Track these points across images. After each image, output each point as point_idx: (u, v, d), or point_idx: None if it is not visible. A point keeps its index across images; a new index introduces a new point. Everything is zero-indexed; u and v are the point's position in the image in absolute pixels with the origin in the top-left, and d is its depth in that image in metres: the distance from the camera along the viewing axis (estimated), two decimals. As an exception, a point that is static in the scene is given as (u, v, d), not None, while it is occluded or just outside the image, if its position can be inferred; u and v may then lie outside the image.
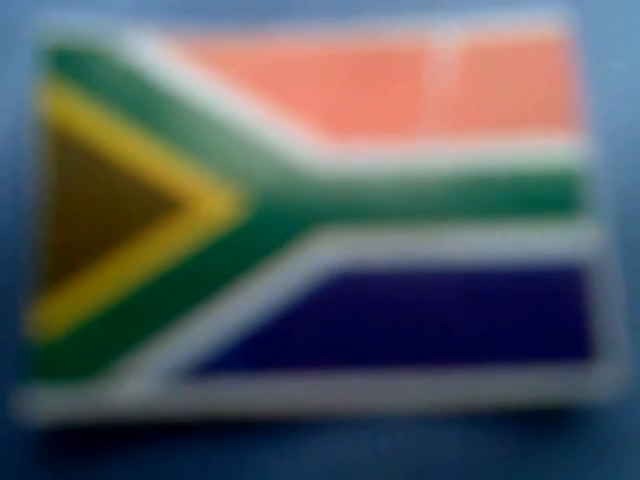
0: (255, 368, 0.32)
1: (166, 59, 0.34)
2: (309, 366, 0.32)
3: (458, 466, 0.32)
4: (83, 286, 0.32)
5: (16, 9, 0.36)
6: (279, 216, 0.33)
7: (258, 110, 0.34)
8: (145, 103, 0.33)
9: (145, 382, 0.32)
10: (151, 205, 0.33)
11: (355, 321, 0.32)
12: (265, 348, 0.32)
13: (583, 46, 0.35)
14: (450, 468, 0.32)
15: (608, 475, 0.32)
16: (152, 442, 0.32)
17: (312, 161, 0.33)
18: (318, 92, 0.34)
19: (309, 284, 0.32)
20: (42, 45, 0.34)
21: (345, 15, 0.35)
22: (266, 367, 0.32)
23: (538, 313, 0.32)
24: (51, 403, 0.31)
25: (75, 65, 0.33)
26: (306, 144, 0.33)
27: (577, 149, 0.33)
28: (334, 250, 0.33)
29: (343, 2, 0.36)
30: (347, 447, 0.32)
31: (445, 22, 0.35)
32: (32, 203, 0.33)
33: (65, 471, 0.32)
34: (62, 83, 0.33)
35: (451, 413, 0.32)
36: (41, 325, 0.32)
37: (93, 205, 0.33)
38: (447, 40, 0.34)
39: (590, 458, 0.32)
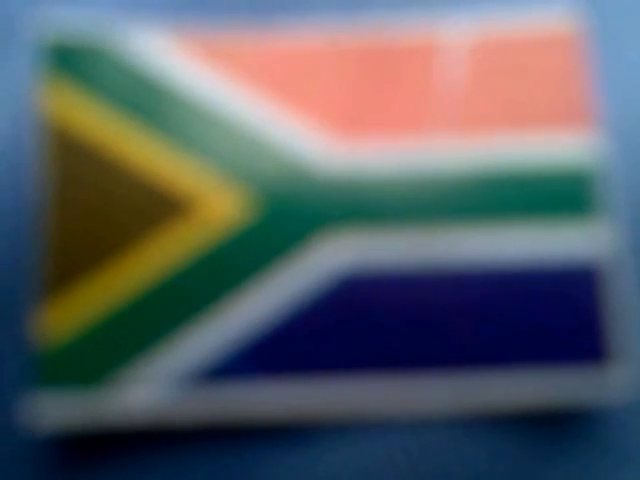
0: (265, 373, 0.31)
1: (170, 55, 0.33)
2: (320, 370, 0.31)
3: (470, 470, 0.32)
4: (88, 290, 0.32)
5: (16, 4, 0.35)
6: (287, 217, 0.32)
7: (265, 107, 0.33)
8: (148, 101, 0.33)
9: (153, 388, 0.31)
10: (156, 207, 0.32)
11: (366, 325, 0.32)
12: (275, 352, 0.31)
13: (595, 42, 0.34)
14: (462, 471, 0.32)
15: (623, 477, 0.32)
16: (160, 449, 0.32)
17: (321, 160, 0.33)
18: (326, 89, 0.33)
19: (319, 287, 0.32)
20: (42, 42, 0.33)
21: (354, 10, 0.35)
22: (276, 372, 0.31)
23: (551, 315, 0.32)
24: (56, 411, 0.31)
25: (76, 62, 0.33)
26: (314, 142, 0.33)
27: (590, 147, 0.33)
28: (344, 252, 0.32)
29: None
30: (359, 452, 0.32)
31: (454, 17, 0.34)
32: (34, 206, 0.32)
33: None
34: (63, 81, 0.33)
35: (464, 417, 0.32)
36: (46, 331, 0.31)
37: (96, 207, 0.32)
38: (456, 35, 0.34)
39: (604, 460, 0.32)
